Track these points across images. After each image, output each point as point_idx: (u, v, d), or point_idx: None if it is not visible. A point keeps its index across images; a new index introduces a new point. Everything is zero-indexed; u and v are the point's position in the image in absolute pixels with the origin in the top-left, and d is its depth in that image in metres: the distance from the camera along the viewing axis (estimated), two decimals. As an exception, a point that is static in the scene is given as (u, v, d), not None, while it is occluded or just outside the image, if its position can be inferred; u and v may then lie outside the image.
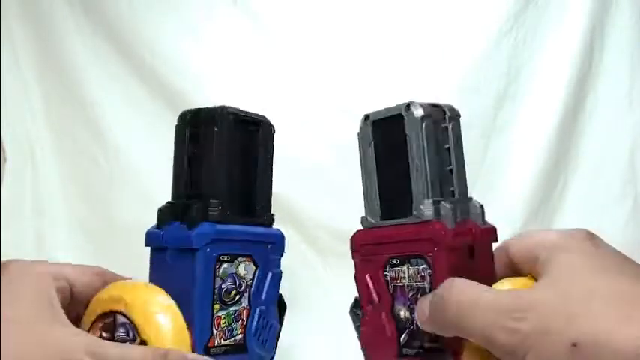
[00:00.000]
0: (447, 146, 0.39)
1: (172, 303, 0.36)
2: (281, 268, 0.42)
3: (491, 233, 0.38)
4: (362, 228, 0.41)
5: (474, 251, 0.37)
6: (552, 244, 0.34)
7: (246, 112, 0.42)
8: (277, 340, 0.42)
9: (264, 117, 0.44)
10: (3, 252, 1.03)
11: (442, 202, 0.37)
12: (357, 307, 0.41)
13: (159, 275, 0.38)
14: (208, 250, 0.38)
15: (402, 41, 1.11)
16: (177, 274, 0.37)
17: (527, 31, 1.10)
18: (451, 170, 0.39)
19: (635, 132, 1.12)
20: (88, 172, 1.13)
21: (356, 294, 0.41)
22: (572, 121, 1.12)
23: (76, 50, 1.11)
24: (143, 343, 0.34)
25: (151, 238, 0.40)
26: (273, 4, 1.13)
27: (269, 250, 0.42)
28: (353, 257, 0.41)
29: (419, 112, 0.38)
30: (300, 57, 1.12)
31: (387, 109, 0.40)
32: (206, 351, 0.37)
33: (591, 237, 0.34)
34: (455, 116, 0.41)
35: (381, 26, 1.12)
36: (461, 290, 0.33)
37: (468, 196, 0.39)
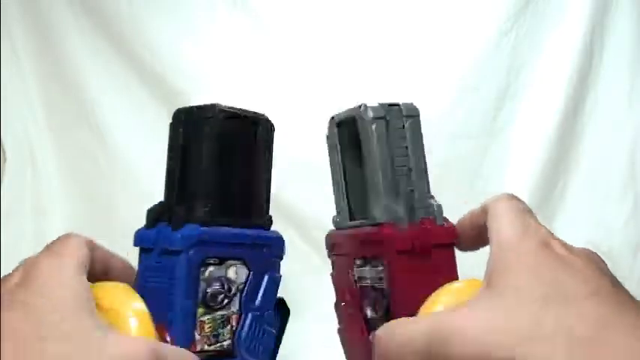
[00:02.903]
0: (405, 145, 0.38)
1: (145, 310, 0.35)
2: (280, 273, 0.40)
3: (450, 232, 0.37)
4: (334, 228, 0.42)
5: (431, 252, 0.36)
6: (504, 249, 0.31)
7: (241, 110, 0.40)
8: (277, 347, 0.40)
9: (263, 115, 0.42)
10: (3, 252, 1.03)
11: (393, 204, 0.37)
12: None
13: (144, 276, 0.37)
14: (192, 252, 0.36)
15: (402, 41, 1.11)
16: (160, 275, 0.37)
17: (527, 31, 1.10)
18: (410, 169, 0.38)
19: (635, 132, 1.12)
20: (88, 172, 1.13)
21: None
22: (572, 121, 1.12)
23: (76, 50, 1.11)
24: None
25: (138, 239, 0.39)
26: (274, 5, 1.13)
27: (265, 253, 0.40)
28: (328, 256, 0.41)
29: (369, 115, 0.38)
30: (300, 57, 1.12)
31: (347, 110, 0.40)
32: None
33: (546, 245, 0.30)
34: (413, 115, 0.39)
35: (381, 26, 1.12)
36: (387, 330, 0.32)
37: (431, 193, 0.38)
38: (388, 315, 0.36)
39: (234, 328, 0.38)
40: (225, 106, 0.39)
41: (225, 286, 0.38)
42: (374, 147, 0.38)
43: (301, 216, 1.10)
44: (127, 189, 1.10)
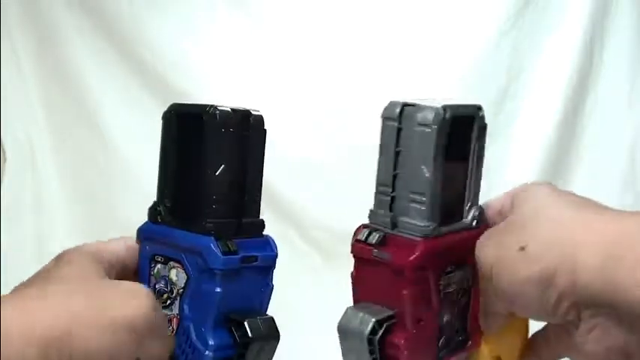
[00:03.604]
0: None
1: None
2: (219, 289, 0.35)
3: None
4: (422, 237, 0.34)
5: None
6: (518, 192, 0.37)
7: (200, 107, 0.36)
8: None
9: (211, 108, 0.36)
10: (3, 252, 1.03)
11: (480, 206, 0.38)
12: (375, 333, 0.35)
13: None
14: (146, 247, 0.38)
15: (402, 42, 1.11)
16: None
17: (527, 31, 1.10)
18: None
19: (635, 132, 1.12)
20: (88, 172, 1.13)
21: (372, 318, 0.35)
22: (572, 121, 1.12)
23: (76, 50, 1.11)
24: None
25: None
26: (274, 5, 1.13)
27: (199, 261, 0.36)
28: (417, 274, 0.34)
29: (485, 117, 0.37)
30: (300, 57, 1.12)
31: (463, 106, 0.36)
32: None
33: (551, 185, 0.38)
34: None
35: (381, 27, 1.12)
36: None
37: None
38: (466, 312, 0.38)
39: (174, 331, 0.37)
40: (182, 105, 0.38)
41: (168, 287, 0.37)
42: (484, 148, 0.37)
43: (301, 216, 1.10)
44: (127, 189, 1.10)
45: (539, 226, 0.33)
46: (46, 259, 0.38)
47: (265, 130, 0.37)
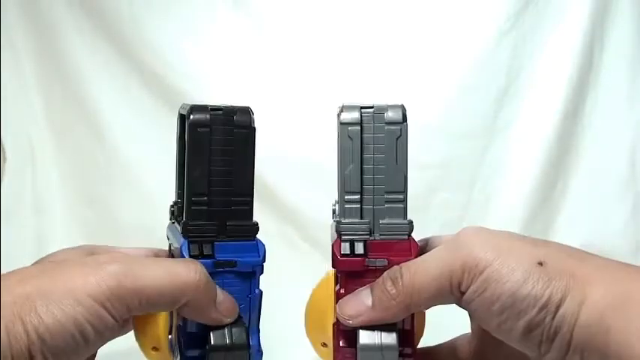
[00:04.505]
0: None
1: None
2: None
3: None
4: (408, 235, 0.34)
5: None
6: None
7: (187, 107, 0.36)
8: None
9: (193, 107, 0.35)
10: (3, 251, 1.03)
11: None
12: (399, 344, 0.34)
13: None
14: (170, 246, 0.39)
15: (402, 41, 1.11)
16: None
17: (527, 31, 1.10)
18: None
19: (635, 132, 1.12)
20: (88, 172, 1.13)
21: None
22: (572, 121, 1.12)
23: (76, 50, 1.11)
24: None
25: None
26: (273, 5, 1.13)
27: None
28: None
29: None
30: (300, 57, 1.12)
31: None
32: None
33: None
34: None
35: (381, 26, 1.12)
36: (408, 265, 0.33)
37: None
38: None
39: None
40: (187, 105, 0.36)
41: None
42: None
43: (301, 216, 1.10)
44: (127, 189, 1.10)
45: (553, 247, 0.31)
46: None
47: (254, 128, 0.36)
